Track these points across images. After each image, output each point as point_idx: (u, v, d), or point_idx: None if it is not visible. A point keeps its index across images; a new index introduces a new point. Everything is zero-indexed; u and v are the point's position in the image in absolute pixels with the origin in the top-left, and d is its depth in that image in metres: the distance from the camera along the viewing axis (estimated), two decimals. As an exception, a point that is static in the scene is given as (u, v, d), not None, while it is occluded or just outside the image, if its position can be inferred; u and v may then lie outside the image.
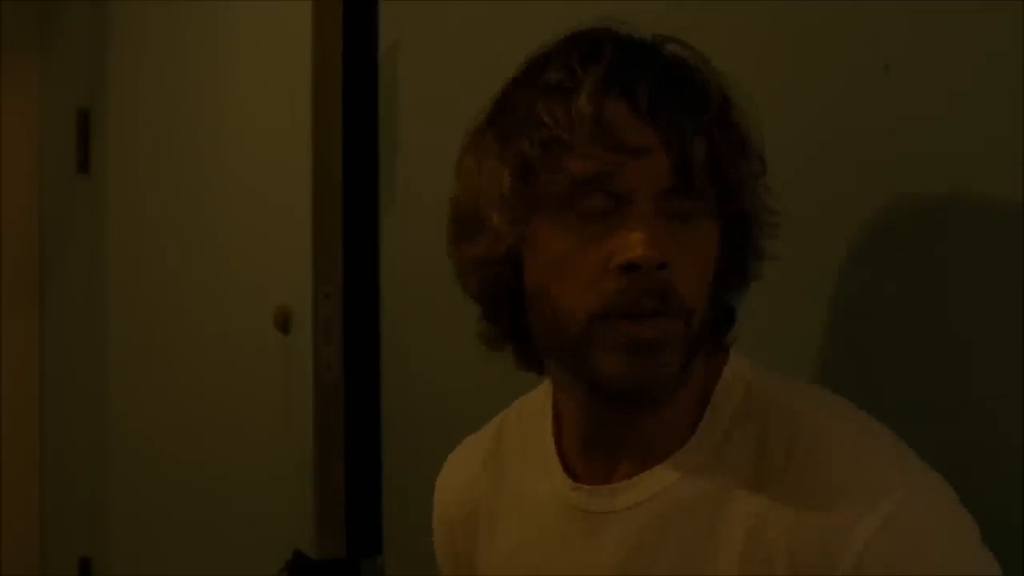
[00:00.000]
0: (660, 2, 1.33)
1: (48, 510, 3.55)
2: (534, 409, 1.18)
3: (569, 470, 1.11)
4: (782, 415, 1.02)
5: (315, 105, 2.08)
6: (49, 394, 3.54)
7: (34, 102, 3.56)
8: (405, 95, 1.97)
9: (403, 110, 1.98)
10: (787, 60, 1.24)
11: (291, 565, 2.13)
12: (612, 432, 1.08)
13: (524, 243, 1.02)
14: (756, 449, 1.02)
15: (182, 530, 2.71)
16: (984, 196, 1.09)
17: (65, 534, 3.44)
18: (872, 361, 1.17)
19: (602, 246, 0.98)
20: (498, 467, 1.20)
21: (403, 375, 1.99)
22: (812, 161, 1.22)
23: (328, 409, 2.08)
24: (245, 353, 2.40)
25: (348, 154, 2.08)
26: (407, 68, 1.97)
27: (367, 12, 2.05)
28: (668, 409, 1.05)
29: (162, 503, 2.80)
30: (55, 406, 3.51)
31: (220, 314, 2.54)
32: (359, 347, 2.07)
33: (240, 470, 2.44)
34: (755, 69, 1.21)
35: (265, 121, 2.34)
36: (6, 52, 3.52)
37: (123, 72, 3.07)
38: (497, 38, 1.73)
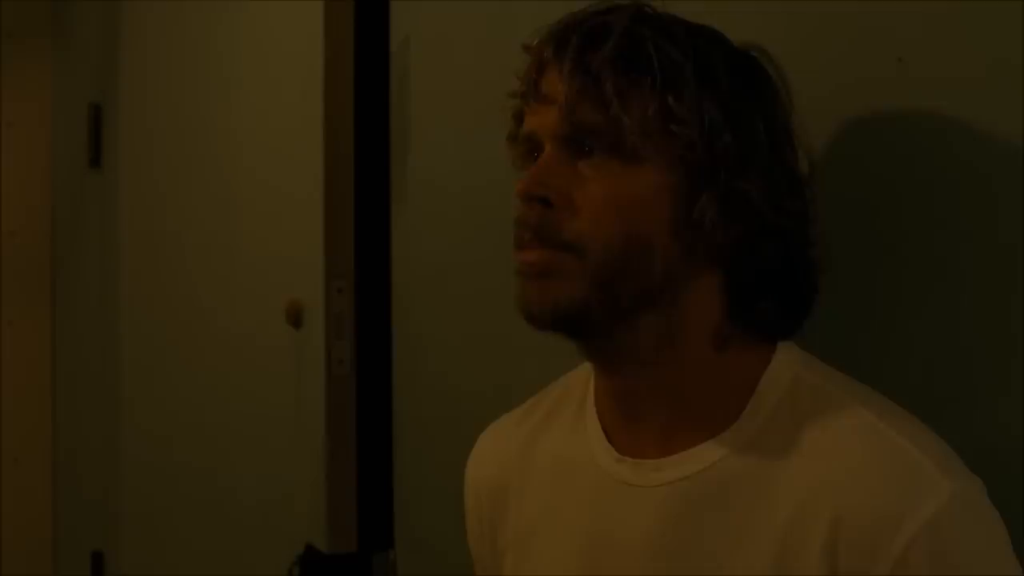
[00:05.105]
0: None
1: (60, 504, 3.56)
2: (580, 380, 1.19)
3: (611, 441, 1.12)
4: (829, 406, 1.03)
5: (327, 99, 2.08)
6: (60, 388, 3.55)
7: (46, 97, 3.56)
8: (417, 90, 1.97)
9: (415, 104, 1.97)
10: (799, 51, 1.24)
11: (303, 559, 2.13)
12: (632, 402, 1.09)
13: None
14: (800, 436, 1.03)
15: (194, 524, 2.72)
16: (989, 192, 1.09)
17: (77, 528, 3.45)
18: (872, 359, 1.17)
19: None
20: (532, 441, 1.20)
21: (415, 369, 1.99)
22: (823, 154, 1.22)
23: (340, 403, 2.08)
24: (257, 347, 2.40)
25: (360, 148, 2.08)
26: (418, 63, 1.97)
27: (379, 6, 2.05)
28: (693, 385, 1.06)
29: (174, 497, 2.81)
30: (67, 400, 3.52)
31: (232, 308, 2.54)
32: (371, 341, 2.07)
33: (252, 464, 2.45)
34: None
35: (277, 116, 2.34)
36: (18, 47, 3.53)
37: (135, 67, 3.07)
38: (508, 32, 1.72)
